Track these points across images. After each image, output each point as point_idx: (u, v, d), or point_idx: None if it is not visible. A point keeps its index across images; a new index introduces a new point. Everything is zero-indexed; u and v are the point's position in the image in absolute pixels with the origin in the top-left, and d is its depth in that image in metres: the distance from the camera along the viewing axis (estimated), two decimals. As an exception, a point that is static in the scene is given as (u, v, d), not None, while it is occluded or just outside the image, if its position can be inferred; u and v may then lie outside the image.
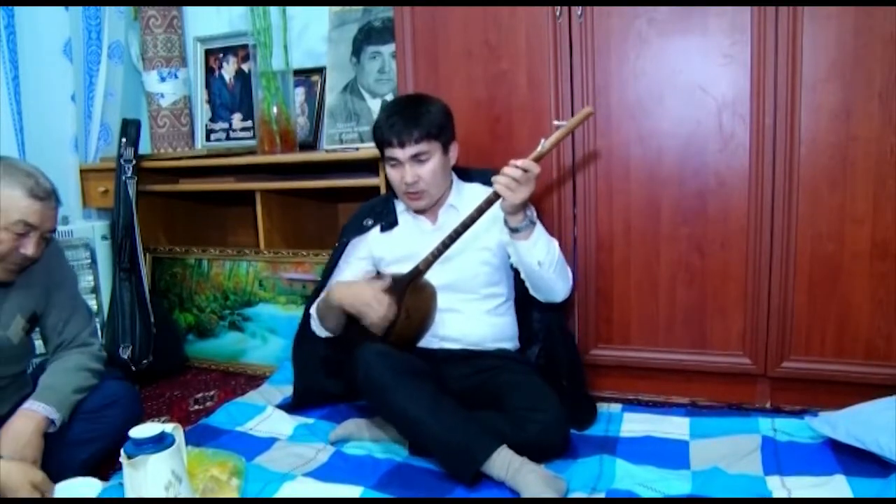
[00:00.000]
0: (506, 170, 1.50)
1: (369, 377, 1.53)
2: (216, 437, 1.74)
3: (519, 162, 1.49)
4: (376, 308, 1.60)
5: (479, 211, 1.57)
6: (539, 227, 1.61)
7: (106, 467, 1.62)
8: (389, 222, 1.81)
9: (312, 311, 1.82)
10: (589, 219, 1.94)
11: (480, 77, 2.00)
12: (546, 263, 1.61)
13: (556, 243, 1.65)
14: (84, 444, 1.56)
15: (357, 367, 1.56)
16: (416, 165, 1.68)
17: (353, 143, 2.42)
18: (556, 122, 1.57)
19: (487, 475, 1.45)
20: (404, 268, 1.69)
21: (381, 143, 1.71)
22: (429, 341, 1.74)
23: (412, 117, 1.66)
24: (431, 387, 1.54)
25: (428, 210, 1.79)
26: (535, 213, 1.60)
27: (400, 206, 1.83)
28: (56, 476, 1.51)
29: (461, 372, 1.68)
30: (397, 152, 1.68)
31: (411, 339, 1.71)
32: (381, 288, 1.64)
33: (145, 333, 2.36)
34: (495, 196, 1.53)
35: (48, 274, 1.61)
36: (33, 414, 1.48)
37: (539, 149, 1.52)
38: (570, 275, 1.72)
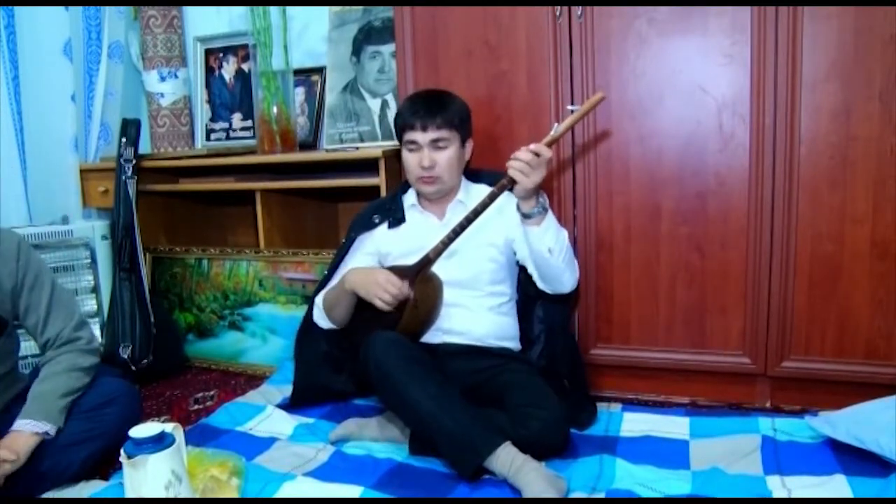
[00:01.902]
0: (519, 154, 1.51)
1: (379, 364, 1.54)
2: (216, 437, 1.74)
3: (532, 146, 1.51)
4: (388, 288, 1.61)
5: (492, 197, 1.59)
6: (550, 215, 1.62)
7: (106, 467, 1.62)
8: (397, 218, 1.82)
9: (318, 300, 1.83)
10: (589, 219, 1.94)
11: (480, 77, 2.00)
12: (556, 251, 1.62)
13: (565, 232, 1.66)
14: (84, 443, 1.56)
15: (367, 355, 1.56)
16: (435, 151, 1.72)
17: (353, 142, 2.42)
18: (569, 107, 1.58)
19: (489, 471, 1.46)
20: (411, 262, 1.69)
21: (402, 128, 1.75)
22: (432, 335, 1.74)
23: (436, 105, 1.73)
24: (440, 377, 1.55)
25: (436, 203, 1.80)
26: (547, 200, 1.61)
27: (407, 202, 1.84)
28: (56, 477, 1.52)
29: (463, 368, 1.69)
30: (418, 136, 1.71)
31: (417, 331, 1.71)
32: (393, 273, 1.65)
33: (145, 333, 2.36)
34: (508, 181, 1.54)
35: (13, 277, 1.58)
36: (21, 433, 1.48)
37: (552, 133, 1.54)
38: (577, 266, 1.73)
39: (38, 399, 1.53)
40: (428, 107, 1.72)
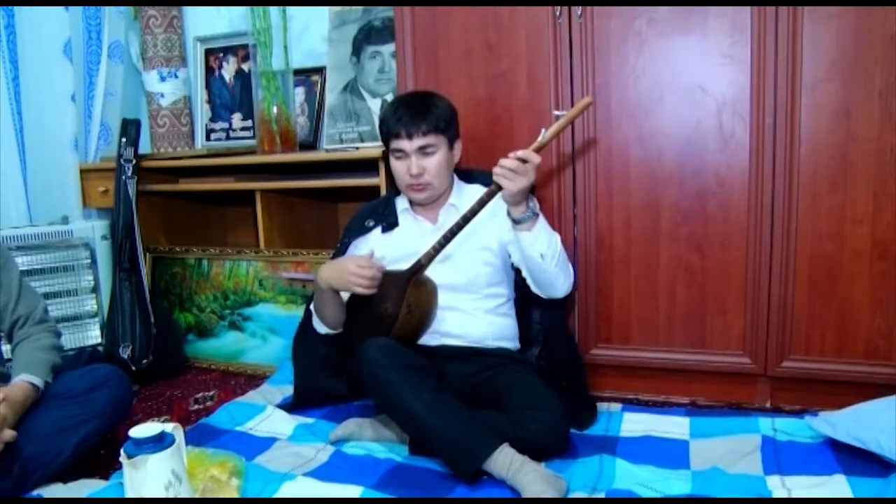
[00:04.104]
0: (504, 161, 1.51)
1: (373, 372, 1.54)
2: (216, 437, 1.74)
3: (520, 153, 1.50)
4: (361, 272, 1.60)
5: (481, 203, 1.58)
6: (542, 219, 1.61)
7: (106, 467, 1.63)
8: (390, 223, 1.81)
9: (312, 308, 1.83)
10: (589, 219, 1.94)
11: (480, 77, 2.00)
12: (548, 256, 1.61)
13: (558, 237, 1.66)
14: (76, 427, 1.57)
15: (361, 362, 1.56)
16: (422, 158, 1.70)
17: (353, 142, 2.42)
18: (556, 113, 1.58)
19: (488, 473, 1.45)
20: (405, 267, 1.69)
21: (388, 136, 1.73)
22: (429, 338, 1.74)
23: (420, 110, 1.70)
24: (434, 383, 1.55)
25: (428, 207, 1.79)
26: (537, 205, 1.61)
27: (400, 206, 1.83)
28: (49, 462, 1.53)
29: (461, 370, 1.68)
30: (404, 143, 1.69)
31: (412, 335, 1.71)
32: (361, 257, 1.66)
33: (145, 333, 2.36)
34: (496, 188, 1.54)
35: None
36: (30, 388, 1.53)
37: (539, 139, 1.53)
38: (571, 270, 1.72)
39: (36, 363, 1.58)
40: (412, 113, 1.69)
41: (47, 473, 1.53)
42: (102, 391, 1.63)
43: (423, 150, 1.70)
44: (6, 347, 1.71)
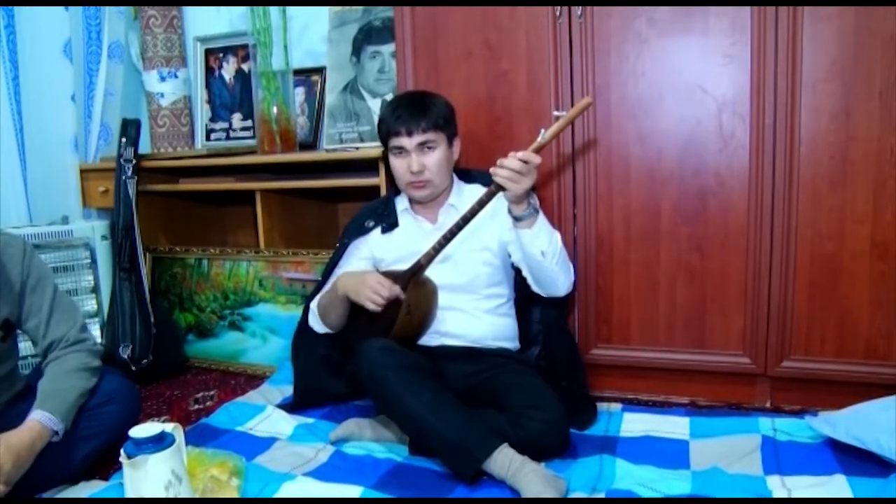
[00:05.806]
0: (506, 162, 1.50)
1: (372, 372, 1.54)
2: (216, 437, 1.74)
3: (519, 154, 1.50)
4: (379, 290, 1.59)
5: (481, 203, 1.58)
6: (542, 217, 1.61)
7: (106, 467, 1.63)
8: (390, 223, 1.81)
9: (313, 306, 1.83)
10: (589, 218, 1.94)
11: (480, 77, 2.00)
12: (549, 254, 1.61)
13: (558, 235, 1.66)
14: (84, 441, 1.56)
15: (360, 363, 1.56)
16: (422, 155, 1.70)
17: (353, 142, 2.42)
18: (555, 113, 1.58)
19: (488, 473, 1.46)
20: (405, 267, 1.69)
21: (388, 134, 1.72)
22: (429, 338, 1.74)
23: (420, 108, 1.70)
24: (434, 384, 1.55)
25: (428, 207, 1.79)
26: (538, 202, 1.61)
27: (400, 207, 1.83)
28: (55, 475, 1.52)
29: (461, 370, 1.69)
30: (404, 141, 1.69)
31: (412, 335, 1.71)
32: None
33: (145, 333, 2.36)
34: (497, 188, 1.53)
35: (17, 280, 1.55)
36: (40, 428, 1.44)
37: (539, 139, 1.53)
38: (572, 268, 1.72)
39: (55, 395, 1.50)
40: (411, 111, 1.69)
41: (53, 484, 1.52)
42: (113, 406, 1.62)
43: (423, 147, 1.70)
44: (24, 344, 1.67)
